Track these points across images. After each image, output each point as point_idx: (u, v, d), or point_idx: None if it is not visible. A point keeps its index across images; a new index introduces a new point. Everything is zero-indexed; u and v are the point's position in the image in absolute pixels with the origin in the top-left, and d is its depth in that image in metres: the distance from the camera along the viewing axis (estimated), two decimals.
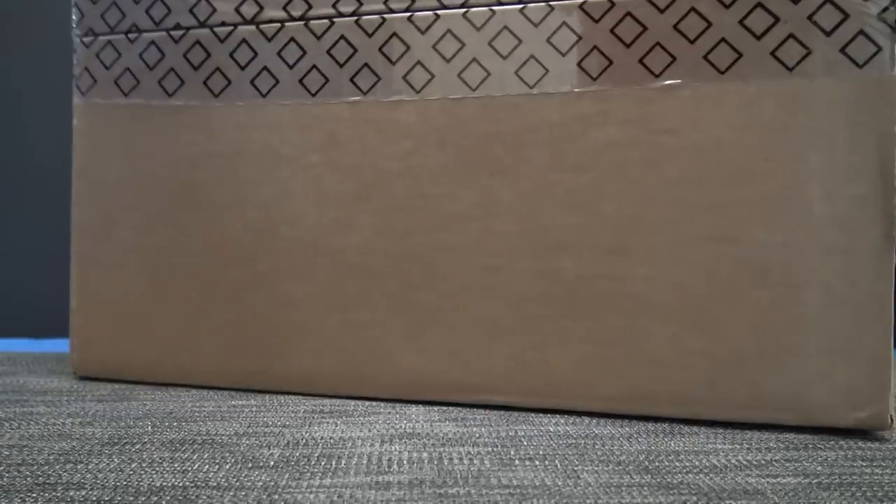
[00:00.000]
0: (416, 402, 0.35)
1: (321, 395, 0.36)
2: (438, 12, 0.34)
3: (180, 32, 0.38)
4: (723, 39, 0.31)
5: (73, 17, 0.40)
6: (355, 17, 0.35)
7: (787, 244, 0.30)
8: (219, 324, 0.37)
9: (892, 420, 0.29)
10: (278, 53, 0.36)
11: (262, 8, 0.37)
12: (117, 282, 0.39)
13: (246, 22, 0.37)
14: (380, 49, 0.35)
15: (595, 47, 0.32)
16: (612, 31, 0.32)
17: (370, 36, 0.35)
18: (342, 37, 0.35)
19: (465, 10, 0.34)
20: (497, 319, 0.33)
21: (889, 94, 0.29)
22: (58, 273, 0.68)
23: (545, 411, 0.33)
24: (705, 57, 0.31)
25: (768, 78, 0.30)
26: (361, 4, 0.35)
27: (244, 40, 0.37)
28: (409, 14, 0.35)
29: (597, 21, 0.32)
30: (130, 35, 0.39)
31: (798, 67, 0.30)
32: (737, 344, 0.31)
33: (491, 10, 0.33)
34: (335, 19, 0.36)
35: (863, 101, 0.29)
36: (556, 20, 0.33)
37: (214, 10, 0.37)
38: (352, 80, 0.35)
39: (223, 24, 0.37)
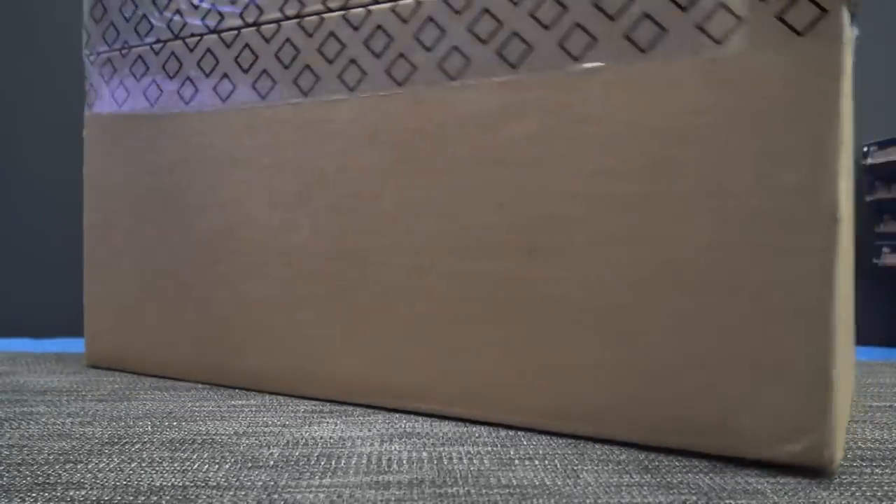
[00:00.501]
0: (356, 405, 0.34)
1: (273, 392, 0.37)
2: (371, 8, 0.33)
3: (160, 45, 0.40)
4: (645, 14, 0.27)
5: (83, 38, 0.44)
6: (298, 19, 0.35)
7: (713, 244, 0.26)
8: (192, 321, 0.39)
9: (831, 457, 0.24)
10: (235, 59, 0.37)
11: (222, 17, 0.38)
12: (114, 280, 0.42)
13: (210, 31, 0.38)
14: (318, 49, 0.35)
15: (515, 33, 0.30)
16: (532, 14, 0.30)
17: (310, 36, 0.35)
18: (287, 39, 0.36)
19: (393, 3, 0.33)
20: (421, 323, 0.32)
21: (833, 66, 0.24)
22: (58, 273, 0.71)
23: (473, 422, 0.32)
24: (627, 35, 0.28)
25: (693, 54, 0.27)
26: (304, 6, 0.35)
27: (209, 49, 0.38)
28: (343, 12, 0.34)
29: (516, 4, 0.30)
30: (123, 51, 0.42)
31: (728, 40, 0.26)
32: (656, 357, 0.27)
33: (417, 1, 0.32)
34: (282, 22, 0.36)
35: (801, 74, 0.25)
36: (478, 6, 0.31)
37: (186, 22, 0.39)
38: (295, 81, 0.36)
39: (192, 35, 0.39)
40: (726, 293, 0.26)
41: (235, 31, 0.37)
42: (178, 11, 0.39)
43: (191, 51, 0.39)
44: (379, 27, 0.33)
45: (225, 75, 0.38)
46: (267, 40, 0.36)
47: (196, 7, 0.39)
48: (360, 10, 0.34)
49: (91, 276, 0.43)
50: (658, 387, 0.27)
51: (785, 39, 0.25)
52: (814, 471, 0.25)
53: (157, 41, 0.40)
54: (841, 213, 0.24)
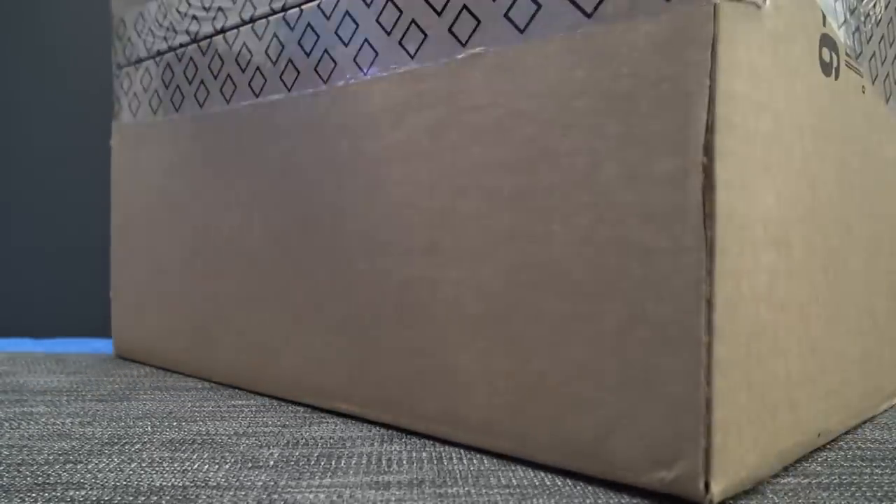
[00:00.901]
0: (297, 404, 0.35)
1: (239, 387, 0.38)
2: (303, 7, 0.33)
3: (160, 58, 0.43)
4: None
5: (112, 54, 0.48)
6: (251, 23, 0.36)
7: (587, 242, 0.23)
8: (183, 315, 0.41)
9: (705, 488, 0.21)
10: (208, 66, 0.39)
11: (200, 25, 0.40)
12: (130, 277, 0.46)
13: (193, 41, 0.40)
14: (265, 51, 0.35)
15: (413, 21, 0.29)
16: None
17: (259, 39, 0.36)
18: (244, 44, 0.37)
19: (318, 0, 0.33)
20: (344, 322, 0.32)
21: (702, 32, 0.21)
22: (58, 274, 0.72)
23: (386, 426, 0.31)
24: (506, 14, 0.25)
25: (566, 30, 0.24)
26: (256, 9, 0.36)
27: (191, 58, 0.40)
28: (283, 13, 0.34)
29: None
30: (137, 64, 0.45)
31: (598, 10, 0.23)
32: (539, 367, 0.25)
33: None
34: (241, 28, 0.37)
35: (669, 46, 0.21)
36: None
37: (177, 32, 0.41)
38: (249, 84, 0.36)
39: (180, 45, 0.41)
40: (602, 298, 0.23)
41: (209, 40, 0.39)
42: (171, 23, 0.42)
43: (179, 60, 0.41)
44: (309, 25, 0.33)
45: (202, 82, 0.40)
46: (230, 45, 0.38)
47: (183, 16, 0.41)
48: (295, 10, 0.34)
49: (115, 272, 0.47)
50: (540, 400, 0.25)
51: (655, 6, 0.22)
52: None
53: (158, 53, 0.43)
54: (722, 210, 0.21)
